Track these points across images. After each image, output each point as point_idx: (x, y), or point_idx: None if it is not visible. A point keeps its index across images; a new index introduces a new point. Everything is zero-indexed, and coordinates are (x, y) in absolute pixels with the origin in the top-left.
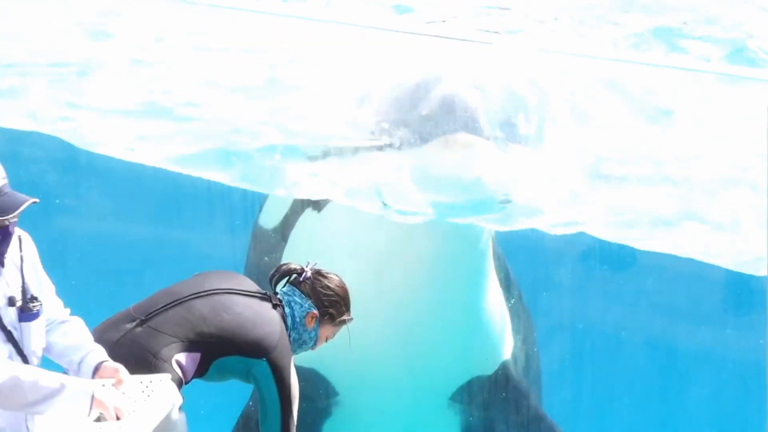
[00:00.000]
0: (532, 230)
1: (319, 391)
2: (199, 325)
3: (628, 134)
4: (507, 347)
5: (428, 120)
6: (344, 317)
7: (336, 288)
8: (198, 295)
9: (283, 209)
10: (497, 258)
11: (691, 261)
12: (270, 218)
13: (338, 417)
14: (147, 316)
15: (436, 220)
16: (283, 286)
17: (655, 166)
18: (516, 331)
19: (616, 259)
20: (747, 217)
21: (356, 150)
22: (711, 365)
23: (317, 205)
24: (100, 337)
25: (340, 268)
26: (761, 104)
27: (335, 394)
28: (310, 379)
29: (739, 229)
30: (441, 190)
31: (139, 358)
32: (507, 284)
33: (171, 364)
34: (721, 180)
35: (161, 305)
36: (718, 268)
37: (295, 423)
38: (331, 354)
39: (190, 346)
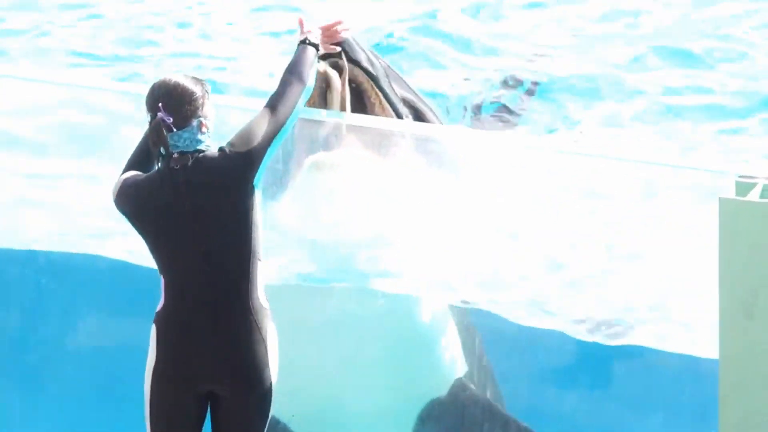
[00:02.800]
0: None
1: None
2: (230, 247)
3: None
4: (458, 366)
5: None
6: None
7: (191, 90)
8: (196, 233)
9: None
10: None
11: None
12: None
13: None
14: (205, 299)
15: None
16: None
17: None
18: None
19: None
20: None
21: None
22: None
23: None
24: (197, 349)
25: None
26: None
27: None
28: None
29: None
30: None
31: (246, 328)
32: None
33: (264, 300)
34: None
35: (200, 278)
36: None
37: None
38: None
39: (251, 268)
